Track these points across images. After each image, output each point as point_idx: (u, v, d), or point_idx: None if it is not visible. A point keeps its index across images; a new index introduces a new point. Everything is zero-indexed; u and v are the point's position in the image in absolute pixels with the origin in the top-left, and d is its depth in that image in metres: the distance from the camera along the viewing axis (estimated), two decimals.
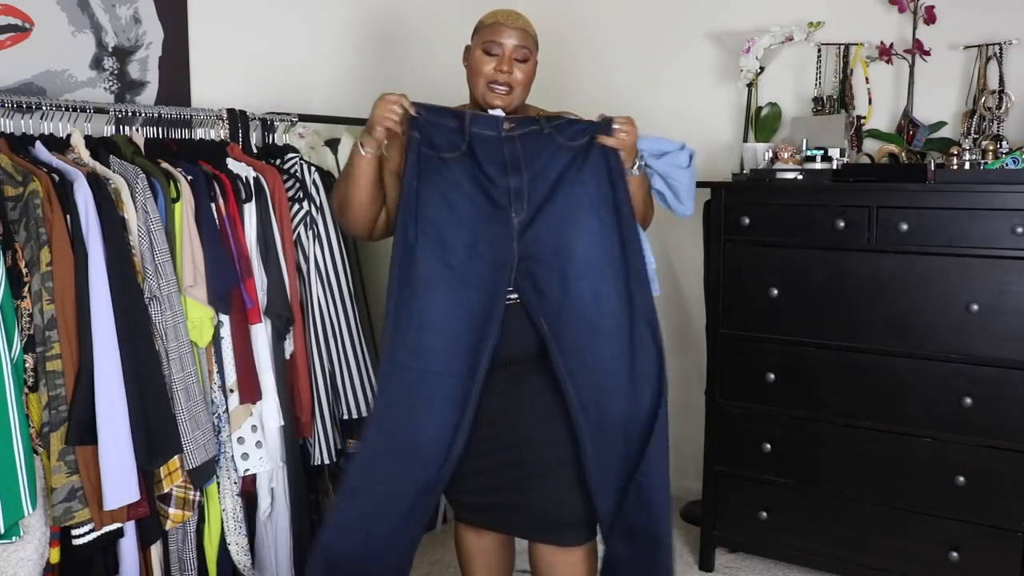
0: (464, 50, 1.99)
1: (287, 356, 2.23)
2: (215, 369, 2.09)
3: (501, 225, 1.85)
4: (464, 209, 1.85)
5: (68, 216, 1.80)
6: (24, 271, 1.76)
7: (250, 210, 2.15)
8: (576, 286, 1.87)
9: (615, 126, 1.87)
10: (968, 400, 2.33)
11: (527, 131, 1.88)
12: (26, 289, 1.76)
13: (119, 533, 1.89)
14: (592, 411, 1.88)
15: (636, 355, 1.90)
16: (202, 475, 2.01)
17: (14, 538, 1.72)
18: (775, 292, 2.57)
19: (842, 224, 2.45)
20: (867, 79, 2.86)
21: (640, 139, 1.94)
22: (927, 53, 2.72)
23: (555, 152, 1.88)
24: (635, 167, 1.93)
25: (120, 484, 1.80)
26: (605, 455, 1.89)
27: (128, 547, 1.93)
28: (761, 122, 3.02)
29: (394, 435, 1.87)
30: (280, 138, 2.48)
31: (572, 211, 1.87)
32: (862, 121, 2.86)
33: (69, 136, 1.97)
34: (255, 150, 2.35)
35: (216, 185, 2.10)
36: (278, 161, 2.32)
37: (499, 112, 1.90)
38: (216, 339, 2.08)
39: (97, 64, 2.25)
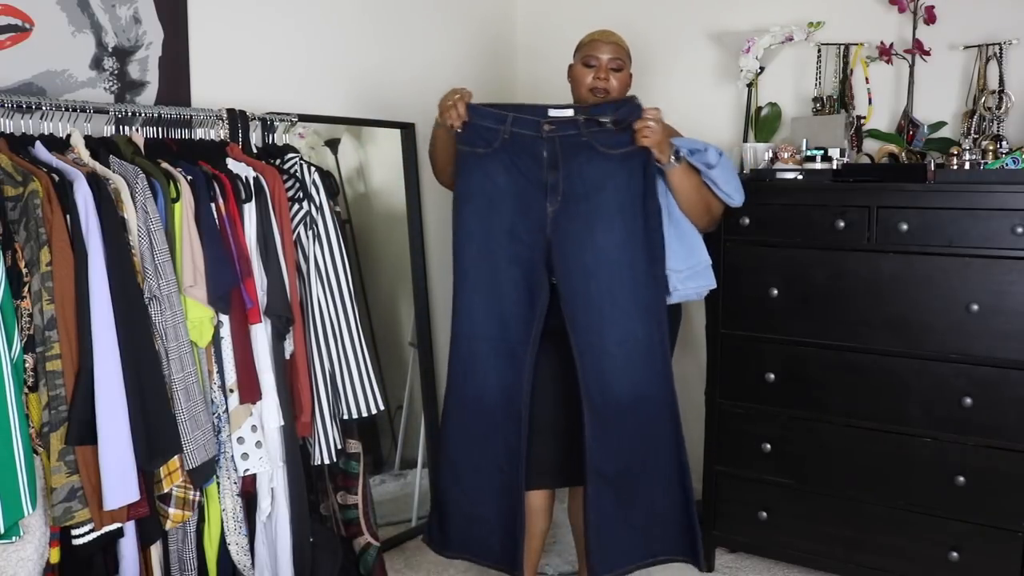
0: (568, 68, 2.42)
1: (287, 356, 2.22)
2: (215, 369, 2.08)
3: (536, 213, 2.15)
4: (503, 201, 2.16)
5: (68, 216, 1.79)
6: (24, 271, 1.76)
7: (250, 210, 2.15)
8: (594, 277, 2.13)
9: (636, 126, 2.09)
10: (968, 400, 2.33)
11: (566, 134, 2.14)
12: (26, 289, 1.76)
13: (119, 533, 1.89)
14: (594, 389, 2.13)
15: (641, 345, 2.15)
16: (202, 475, 2.00)
17: (14, 538, 1.72)
18: (775, 292, 2.57)
19: (842, 224, 2.45)
20: (867, 79, 2.87)
21: (672, 139, 2.18)
22: (927, 53, 2.72)
23: (591, 157, 2.14)
24: (671, 160, 2.13)
25: (120, 484, 1.80)
26: (604, 432, 2.12)
27: (128, 547, 1.93)
28: (761, 122, 3.02)
29: (466, 403, 2.21)
30: (280, 138, 2.48)
31: (600, 214, 2.13)
32: (862, 121, 2.86)
33: (69, 136, 1.97)
34: (255, 150, 2.35)
35: (216, 185, 2.10)
36: (278, 161, 2.32)
37: (566, 112, 2.17)
38: (216, 339, 2.07)
39: (97, 64, 2.25)
